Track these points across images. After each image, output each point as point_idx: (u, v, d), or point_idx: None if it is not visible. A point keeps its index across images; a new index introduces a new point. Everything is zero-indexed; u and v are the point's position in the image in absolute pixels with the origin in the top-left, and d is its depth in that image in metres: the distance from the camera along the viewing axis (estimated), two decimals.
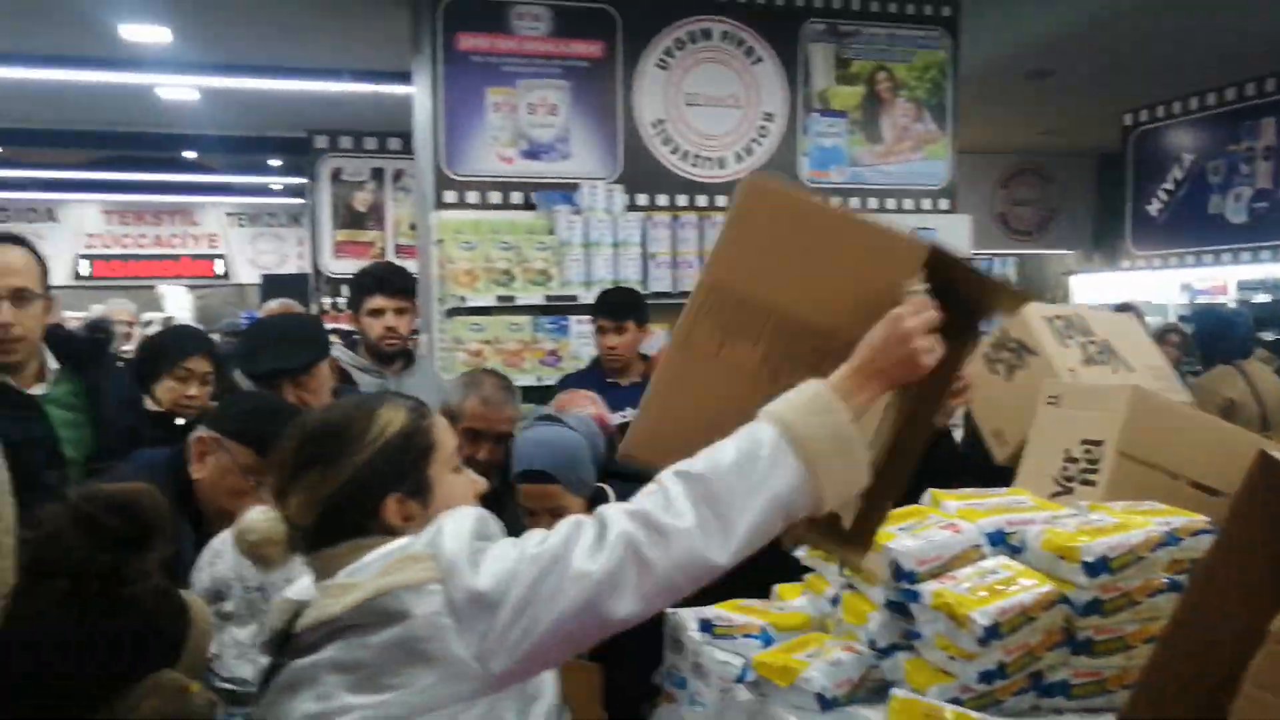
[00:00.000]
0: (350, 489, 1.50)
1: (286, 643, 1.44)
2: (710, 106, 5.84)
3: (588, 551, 1.34)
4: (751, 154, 5.92)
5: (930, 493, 2.63)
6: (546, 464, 2.72)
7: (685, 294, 5.12)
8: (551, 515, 2.80)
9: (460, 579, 1.34)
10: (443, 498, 1.56)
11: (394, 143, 10.05)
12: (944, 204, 6.26)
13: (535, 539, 1.39)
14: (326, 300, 9.94)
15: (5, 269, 2.67)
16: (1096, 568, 1.77)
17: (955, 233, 6.07)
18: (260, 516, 1.51)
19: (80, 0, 6.03)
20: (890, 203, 6.17)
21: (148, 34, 6.76)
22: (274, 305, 6.15)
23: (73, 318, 13.71)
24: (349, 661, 1.34)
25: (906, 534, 2.13)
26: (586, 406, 3.39)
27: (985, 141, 10.41)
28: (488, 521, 1.45)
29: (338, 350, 3.84)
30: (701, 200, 5.83)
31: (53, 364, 2.87)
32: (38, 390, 2.79)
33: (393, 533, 1.48)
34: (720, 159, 5.88)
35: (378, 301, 3.84)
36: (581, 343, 5.08)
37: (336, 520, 1.49)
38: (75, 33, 6.80)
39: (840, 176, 6.09)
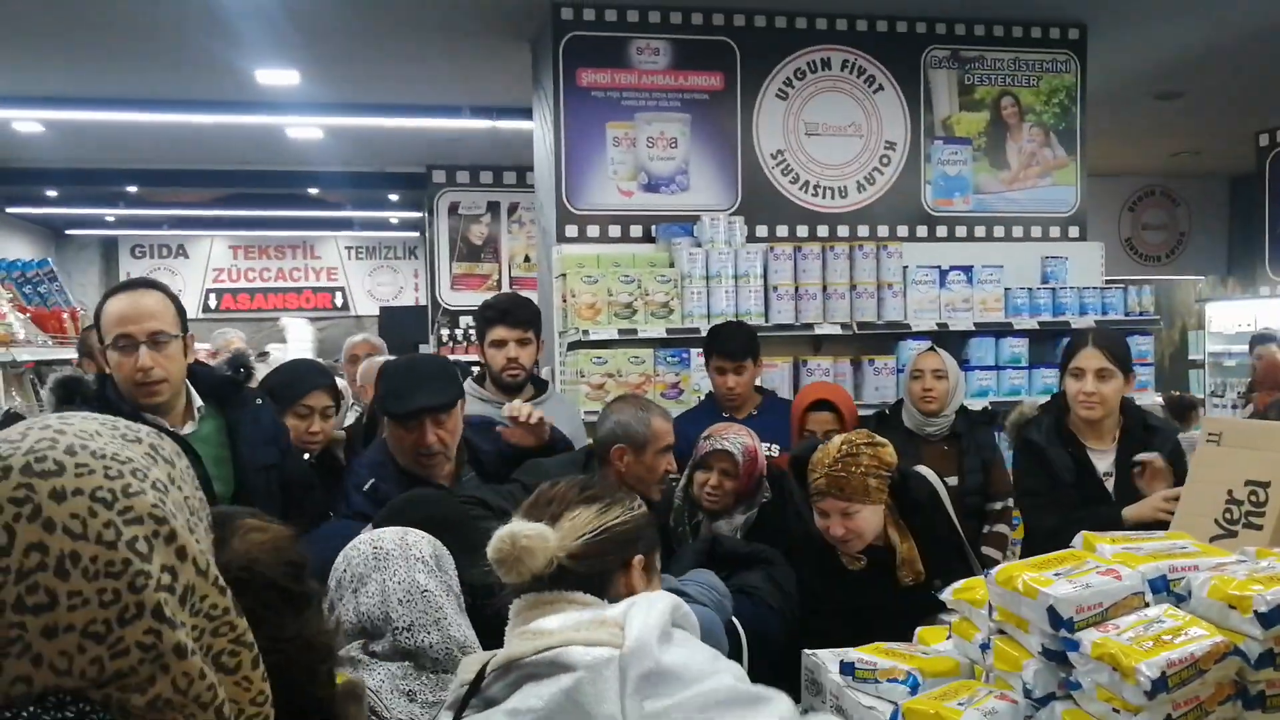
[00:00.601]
0: (619, 532, 1.64)
1: (474, 694, 1.45)
2: (831, 136, 5.79)
3: None
4: (874, 183, 5.85)
5: (1083, 535, 2.53)
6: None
7: (808, 326, 5.12)
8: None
9: (645, 651, 1.35)
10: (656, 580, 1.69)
11: (509, 176, 10.23)
12: (1073, 231, 6.08)
13: (737, 672, 1.45)
14: (444, 332, 10.12)
15: (142, 314, 2.79)
16: (1271, 618, 1.69)
17: (1087, 262, 5.89)
18: (535, 529, 1.60)
19: (219, 47, 6.28)
20: (1017, 230, 6.01)
21: (279, 77, 7.01)
22: (358, 340, 6.25)
23: (202, 349, 14.29)
24: (524, 709, 1.34)
25: (1063, 579, 2.05)
26: (742, 435, 3.43)
27: (1111, 164, 10.12)
28: (681, 608, 1.50)
29: (472, 387, 3.89)
30: (823, 230, 5.77)
31: (198, 401, 2.97)
32: (187, 429, 2.89)
33: (621, 593, 1.57)
34: (842, 188, 5.82)
35: (500, 333, 3.87)
36: (702, 375, 5.04)
37: (594, 558, 1.61)
38: (213, 78, 7.09)
39: (965, 205, 5.96)
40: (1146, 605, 1.89)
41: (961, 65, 5.94)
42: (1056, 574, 2.04)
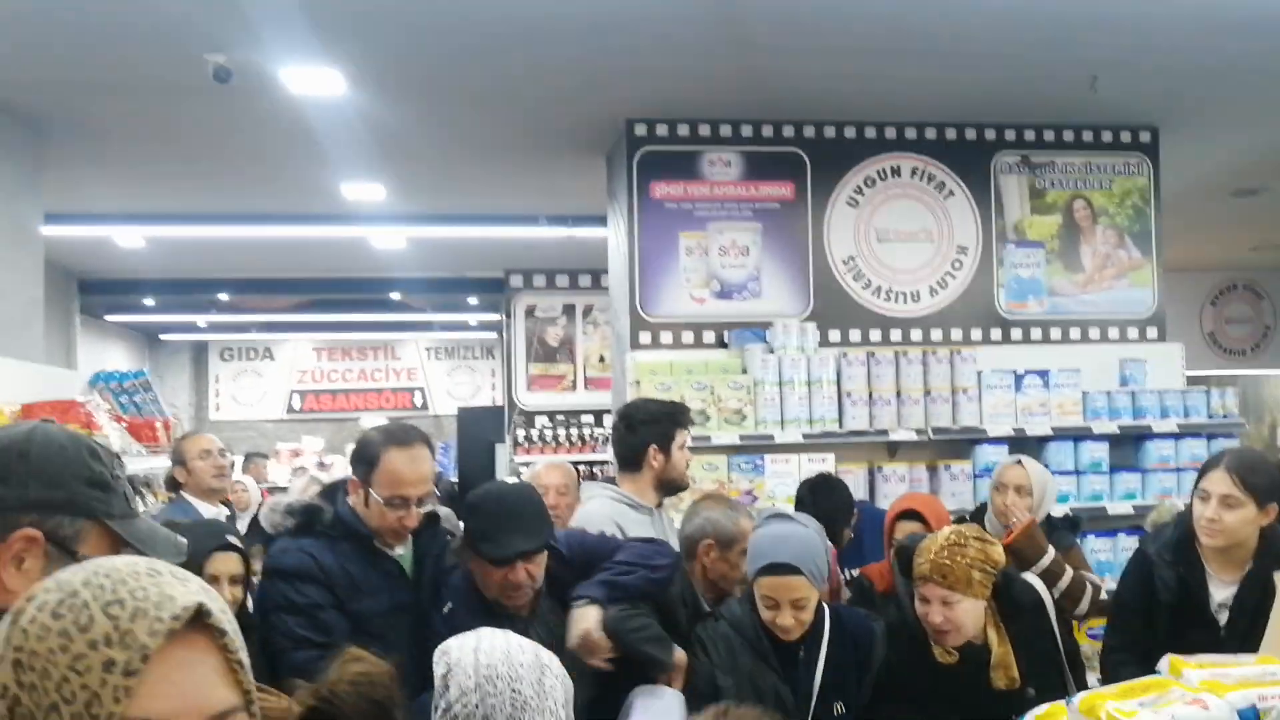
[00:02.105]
0: None
1: None
2: (902, 241, 5.85)
3: None
4: (946, 287, 5.87)
5: (1169, 659, 2.49)
6: (791, 557, 2.96)
7: (882, 431, 5.12)
8: (794, 607, 2.97)
9: None
10: None
11: (584, 279, 10.42)
12: (1151, 332, 6.02)
13: None
14: (520, 432, 10.24)
15: (420, 479, 2.92)
16: None
17: (1166, 363, 5.82)
18: None
19: (311, 166, 6.59)
20: (1094, 333, 5.97)
21: (365, 191, 7.30)
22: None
23: (285, 449, 14.62)
24: None
25: (1147, 709, 2.02)
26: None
27: (1191, 258, 9.99)
28: None
29: (604, 489, 3.81)
30: (896, 335, 5.80)
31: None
32: (399, 551, 3.03)
33: None
34: (914, 293, 5.85)
35: (687, 437, 3.82)
36: (777, 482, 5.07)
37: None
38: (302, 193, 7.42)
39: (1040, 308, 5.95)
40: None
41: (1032, 170, 5.98)
42: (1140, 704, 2.02)
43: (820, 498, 4.26)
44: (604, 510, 3.61)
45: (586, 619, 2.91)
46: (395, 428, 3.03)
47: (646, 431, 3.78)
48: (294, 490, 4.54)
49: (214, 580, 3.07)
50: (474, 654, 2.01)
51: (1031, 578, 3.55)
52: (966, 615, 3.01)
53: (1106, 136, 6.03)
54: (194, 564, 2.94)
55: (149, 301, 12.08)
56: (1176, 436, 5.53)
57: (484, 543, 2.85)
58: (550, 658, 2.09)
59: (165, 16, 4.37)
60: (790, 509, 3.84)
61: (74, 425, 4.94)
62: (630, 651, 2.93)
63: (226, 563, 3.17)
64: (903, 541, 3.37)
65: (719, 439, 5.10)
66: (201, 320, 13.84)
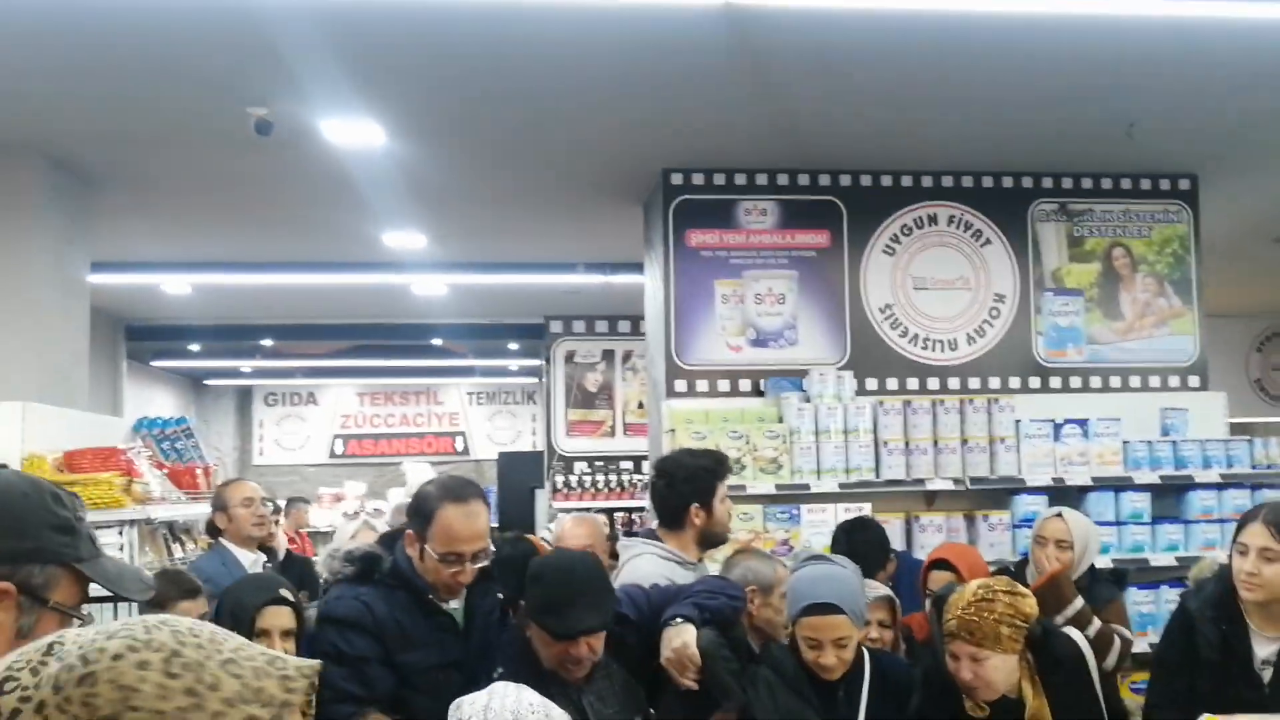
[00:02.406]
0: None
1: None
2: (939, 289, 5.84)
3: None
4: (983, 335, 5.85)
5: (1205, 719, 2.44)
6: (833, 597, 2.99)
7: (919, 481, 5.08)
8: (836, 646, 3.00)
9: None
10: None
11: (624, 325, 10.48)
12: (1193, 381, 5.94)
13: None
14: (559, 478, 10.26)
15: (476, 535, 2.87)
16: None
17: (1208, 412, 5.73)
18: None
19: (352, 215, 6.71)
20: (1134, 380, 5.90)
21: (406, 240, 7.41)
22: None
23: (327, 493, 14.74)
24: None
25: None
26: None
27: (1236, 304, 9.86)
28: None
29: (650, 546, 3.70)
30: (933, 382, 5.77)
31: None
32: (453, 604, 3.00)
33: None
34: (951, 340, 5.83)
35: (726, 486, 3.74)
36: (813, 531, 5.04)
37: None
38: (345, 242, 7.55)
39: (1079, 355, 5.90)
40: None
41: (1070, 218, 5.96)
42: None
43: (855, 538, 4.28)
44: (655, 568, 3.53)
45: (684, 635, 2.89)
46: (452, 483, 2.97)
47: (688, 490, 3.71)
48: (344, 534, 4.52)
49: (265, 635, 2.99)
50: (484, 712, 2.03)
51: (1073, 631, 3.50)
52: (996, 672, 2.96)
53: (1145, 184, 6.00)
54: (245, 617, 2.97)
55: (194, 347, 12.29)
56: (1220, 487, 5.44)
57: (547, 616, 2.76)
58: (561, 715, 2.10)
59: (209, 71, 4.50)
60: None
61: (115, 472, 5.03)
62: (712, 678, 2.92)
63: (279, 617, 3.08)
64: (939, 591, 3.35)
65: (755, 488, 5.09)
66: (246, 365, 14.04)
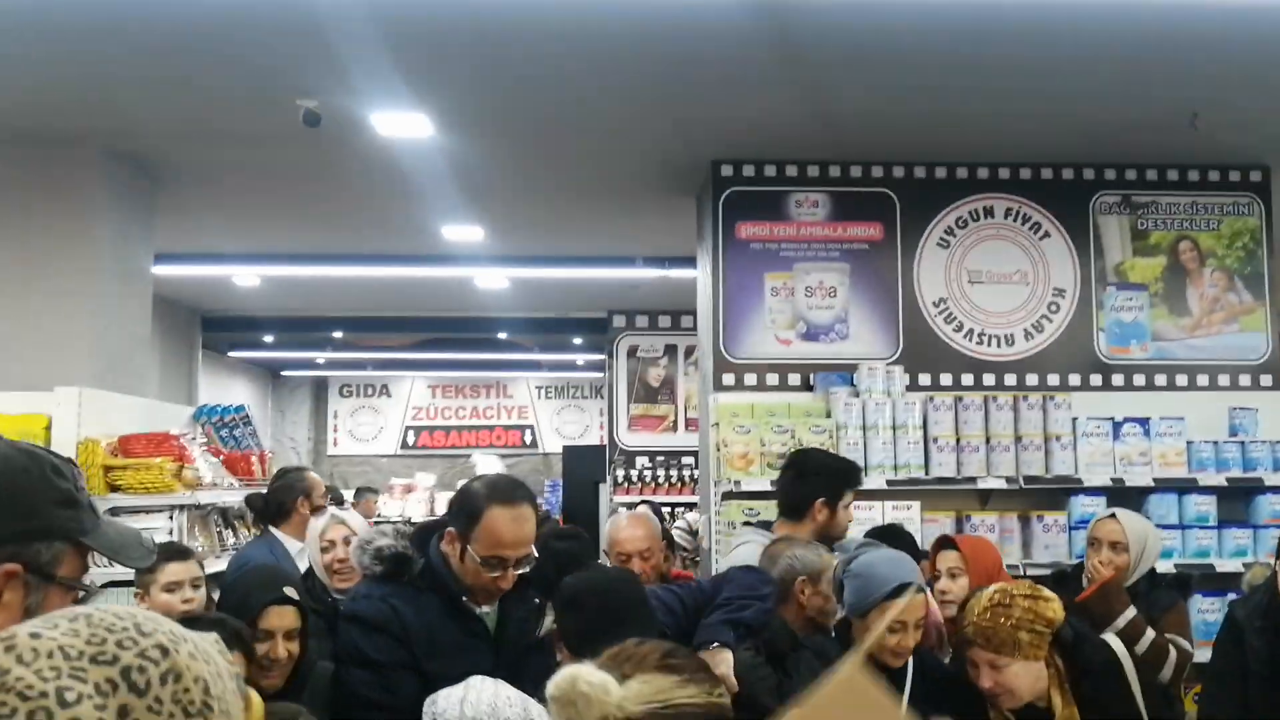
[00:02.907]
0: (688, 713, 1.56)
1: None
2: (995, 284, 5.69)
3: None
4: (1042, 330, 5.69)
5: None
6: (914, 577, 3.00)
7: (970, 479, 4.96)
8: (915, 628, 2.97)
9: None
10: None
11: (686, 320, 10.43)
12: (1265, 380, 5.70)
13: None
14: (620, 473, 10.27)
15: (522, 541, 2.71)
16: None
17: None
18: (599, 679, 1.53)
19: (409, 208, 6.78)
20: (1202, 379, 5.69)
21: (464, 233, 7.47)
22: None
23: (399, 484, 14.95)
24: None
25: None
26: None
27: None
28: None
29: (757, 535, 3.76)
30: (989, 378, 5.63)
31: None
32: (485, 609, 2.89)
33: None
34: (1008, 336, 5.68)
35: (853, 496, 3.78)
36: (859, 530, 4.93)
37: None
38: (405, 236, 7.64)
39: (1143, 352, 5.70)
40: None
41: (1133, 210, 5.76)
42: None
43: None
44: (752, 555, 3.56)
45: (722, 663, 2.76)
46: (501, 482, 2.81)
47: (817, 484, 3.80)
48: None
49: (269, 635, 2.88)
50: (460, 705, 2.02)
51: (1110, 637, 3.37)
52: (1018, 679, 2.85)
53: (1214, 176, 5.77)
54: (248, 616, 2.84)
55: (268, 338, 12.55)
56: None
57: (585, 646, 2.69)
58: (540, 712, 2.07)
59: (261, 63, 4.56)
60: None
61: (167, 458, 5.12)
62: (750, 698, 2.82)
63: (283, 617, 2.94)
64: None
65: None
66: (320, 357, 14.32)
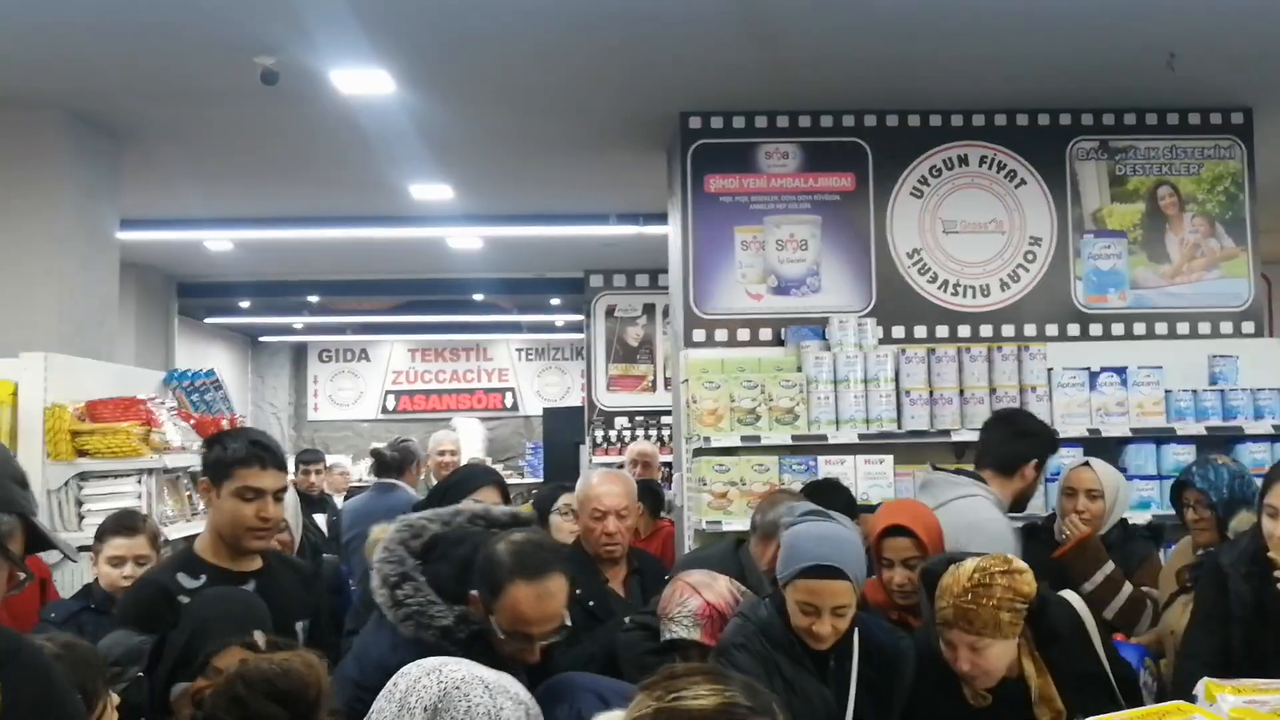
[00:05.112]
0: None
1: None
2: (970, 233, 5.59)
3: None
4: (1018, 280, 5.59)
5: (1205, 683, 2.27)
6: (837, 560, 2.73)
7: (944, 432, 4.87)
8: (834, 614, 2.75)
9: None
10: None
11: (664, 279, 10.28)
12: (1247, 327, 5.62)
13: None
14: (599, 433, 10.19)
15: (548, 618, 2.46)
16: None
17: (1262, 360, 5.41)
18: None
19: (376, 168, 6.62)
20: (1182, 327, 5.60)
21: (433, 192, 7.32)
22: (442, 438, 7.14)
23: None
24: None
25: None
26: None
27: None
28: None
29: (980, 488, 3.78)
30: (965, 330, 5.53)
31: None
32: None
33: None
34: (984, 286, 5.58)
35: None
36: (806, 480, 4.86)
37: None
38: (374, 196, 7.48)
39: (1121, 301, 5.61)
40: None
41: (1111, 155, 5.65)
42: None
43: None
44: (993, 516, 3.61)
45: None
46: (529, 550, 2.48)
47: (1034, 445, 3.89)
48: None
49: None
50: (434, 672, 1.96)
51: (1069, 595, 3.27)
52: (997, 659, 2.73)
53: (1194, 119, 5.65)
54: (202, 650, 2.37)
55: (244, 304, 12.39)
56: (1273, 439, 5.13)
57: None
58: (518, 690, 1.99)
59: (215, 21, 4.41)
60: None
61: (134, 422, 5.04)
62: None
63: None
64: (927, 565, 3.05)
65: (769, 439, 4.91)
66: (298, 322, 14.16)
